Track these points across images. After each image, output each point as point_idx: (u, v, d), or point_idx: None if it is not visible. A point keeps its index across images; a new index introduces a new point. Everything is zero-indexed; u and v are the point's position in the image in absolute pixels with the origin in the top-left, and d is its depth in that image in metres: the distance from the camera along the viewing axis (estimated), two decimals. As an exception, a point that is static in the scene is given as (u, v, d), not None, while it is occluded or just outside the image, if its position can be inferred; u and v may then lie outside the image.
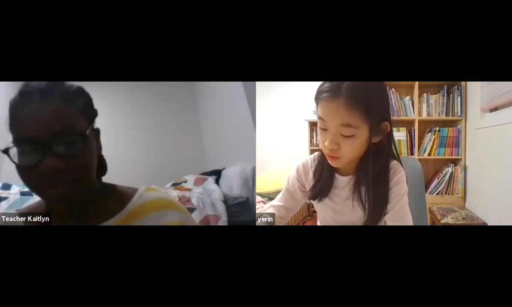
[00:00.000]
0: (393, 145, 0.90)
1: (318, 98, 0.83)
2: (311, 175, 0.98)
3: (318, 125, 0.85)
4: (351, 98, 0.77)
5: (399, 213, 0.86)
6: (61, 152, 0.54)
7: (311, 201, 1.00)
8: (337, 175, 0.93)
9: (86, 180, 0.59)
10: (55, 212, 0.64)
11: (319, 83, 0.85)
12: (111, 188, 0.69)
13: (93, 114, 0.62)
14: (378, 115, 0.82)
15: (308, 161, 1.00)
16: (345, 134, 0.80)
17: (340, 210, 0.94)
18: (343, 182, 0.92)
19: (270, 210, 1.02)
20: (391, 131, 0.87)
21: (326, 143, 0.82)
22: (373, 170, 0.85)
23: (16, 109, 0.57)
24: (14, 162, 0.55)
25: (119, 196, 0.67)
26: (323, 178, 0.94)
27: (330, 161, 0.86)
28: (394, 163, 0.89)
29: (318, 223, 1.05)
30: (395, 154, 0.91)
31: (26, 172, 0.55)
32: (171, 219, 0.65)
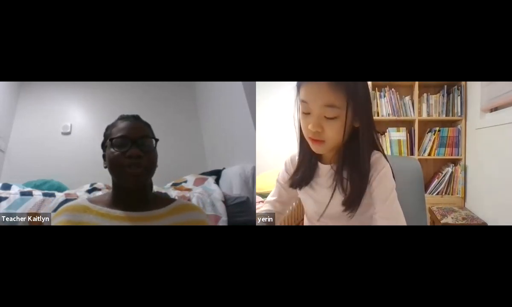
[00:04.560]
0: (375, 136, 0.88)
1: (300, 82, 0.84)
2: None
3: (300, 109, 0.84)
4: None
5: (388, 211, 0.83)
6: (141, 148, 0.83)
7: (292, 189, 0.99)
8: (319, 164, 0.93)
9: (152, 171, 0.86)
10: (122, 197, 0.85)
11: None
12: (164, 195, 0.98)
13: (154, 135, 0.89)
14: (360, 96, 0.82)
15: (295, 154, 1.00)
16: (329, 116, 0.80)
17: (320, 198, 0.93)
18: (324, 170, 0.92)
19: (266, 206, 1.02)
20: (371, 118, 0.86)
21: (309, 127, 0.81)
22: (351, 155, 0.85)
23: (115, 124, 0.87)
24: (112, 150, 0.83)
25: (165, 198, 0.94)
26: (303, 167, 0.94)
27: (313, 146, 0.85)
28: (376, 157, 0.87)
29: (305, 213, 1.05)
30: (379, 145, 0.90)
31: (118, 155, 0.81)
32: (193, 218, 0.88)
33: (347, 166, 0.87)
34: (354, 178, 0.86)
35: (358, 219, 0.90)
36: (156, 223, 0.84)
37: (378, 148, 0.90)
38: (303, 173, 0.95)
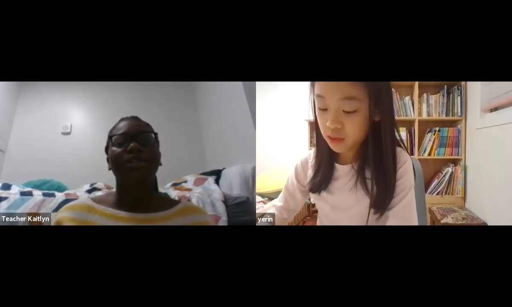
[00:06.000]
0: (396, 131, 0.83)
1: None
2: (310, 170, 0.92)
3: (316, 106, 0.79)
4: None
5: (405, 210, 0.79)
6: (141, 142, 0.83)
7: (311, 194, 0.94)
8: (336, 165, 0.87)
9: (155, 165, 0.87)
10: (126, 198, 0.85)
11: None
12: (165, 195, 0.99)
13: (154, 131, 0.91)
14: (382, 85, 0.76)
15: (306, 158, 0.95)
16: (348, 110, 0.74)
17: (341, 203, 0.87)
18: (343, 172, 0.86)
19: (272, 211, 0.98)
20: (393, 110, 0.81)
21: (327, 123, 0.75)
22: (374, 152, 0.78)
23: (116, 125, 0.89)
24: (113, 147, 0.84)
25: (169, 199, 0.92)
26: (322, 168, 0.88)
27: (333, 145, 0.79)
28: (398, 150, 0.82)
29: (318, 222, 1.01)
30: (399, 140, 0.85)
31: (119, 152, 0.82)
32: (199, 220, 0.89)
33: (370, 164, 0.80)
34: (380, 177, 0.79)
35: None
36: (162, 225, 0.83)
37: (400, 143, 0.84)
38: (322, 175, 0.88)
